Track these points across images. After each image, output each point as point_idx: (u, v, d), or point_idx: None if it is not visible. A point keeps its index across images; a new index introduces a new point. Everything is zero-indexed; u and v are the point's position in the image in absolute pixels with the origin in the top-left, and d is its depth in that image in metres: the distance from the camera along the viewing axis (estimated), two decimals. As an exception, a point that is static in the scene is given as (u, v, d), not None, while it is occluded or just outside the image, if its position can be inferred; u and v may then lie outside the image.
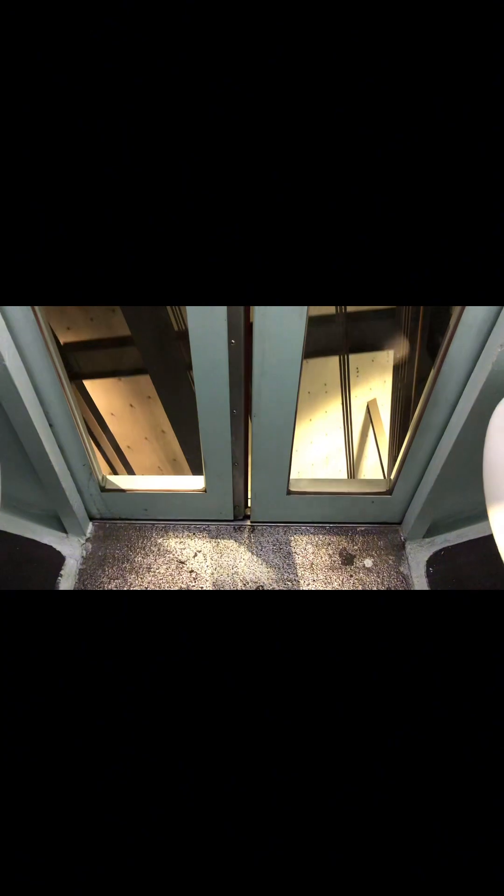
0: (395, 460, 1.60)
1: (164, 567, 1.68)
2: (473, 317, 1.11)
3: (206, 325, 1.14)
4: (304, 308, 1.10)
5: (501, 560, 0.82)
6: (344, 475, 3.90)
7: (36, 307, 1.13)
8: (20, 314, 1.13)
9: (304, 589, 1.64)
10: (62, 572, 1.64)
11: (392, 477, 1.62)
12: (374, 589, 1.64)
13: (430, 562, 1.66)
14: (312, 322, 1.38)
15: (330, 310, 2.70)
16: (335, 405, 3.43)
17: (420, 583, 1.62)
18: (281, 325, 1.13)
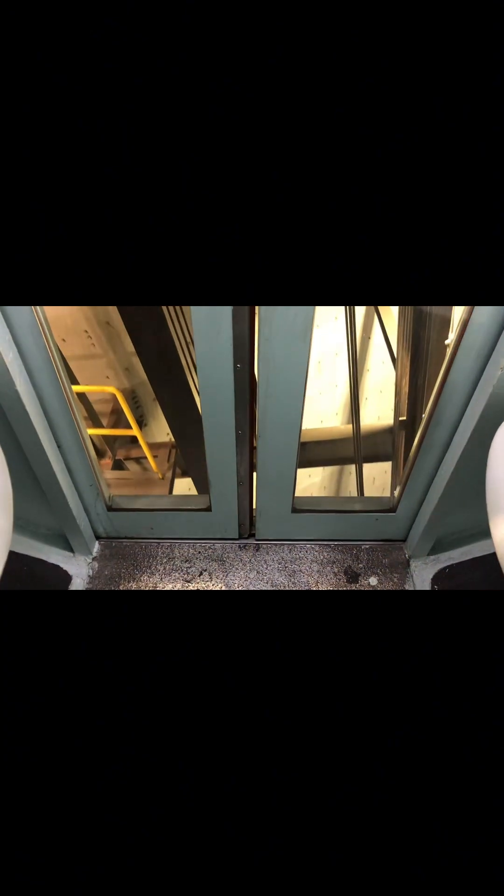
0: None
1: (171, 585, 1.72)
2: (473, 340, 1.16)
3: (213, 349, 1.19)
4: (308, 332, 1.15)
5: None
6: (344, 387, 3.00)
7: (46, 333, 1.19)
8: (31, 339, 1.18)
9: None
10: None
11: (396, 494, 1.63)
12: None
13: (435, 579, 1.67)
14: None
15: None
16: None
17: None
18: (285, 350, 1.19)
